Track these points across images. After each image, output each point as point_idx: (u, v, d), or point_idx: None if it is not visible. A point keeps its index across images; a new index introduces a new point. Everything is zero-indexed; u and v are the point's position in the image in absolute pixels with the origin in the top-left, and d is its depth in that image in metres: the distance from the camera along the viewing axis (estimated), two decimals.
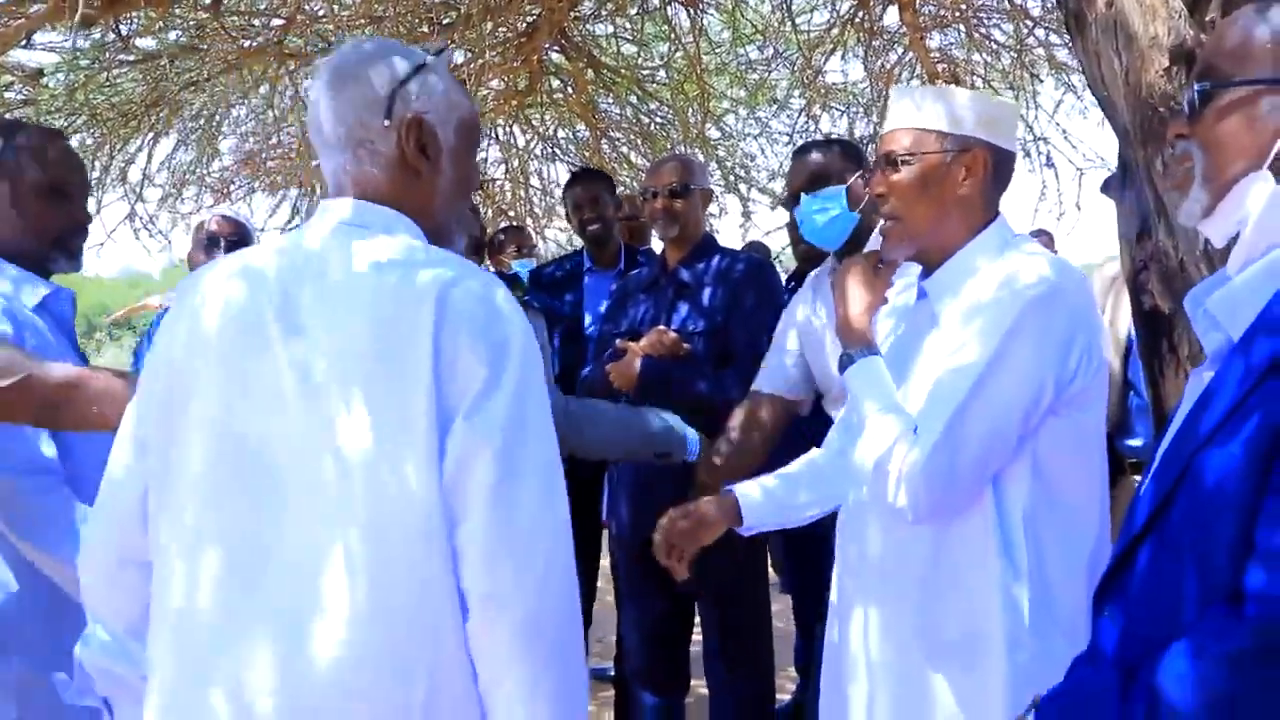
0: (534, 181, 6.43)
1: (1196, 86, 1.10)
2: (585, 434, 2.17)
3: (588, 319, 3.55)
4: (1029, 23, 4.10)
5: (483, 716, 1.18)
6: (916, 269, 1.70)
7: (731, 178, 5.85)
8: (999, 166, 1.63)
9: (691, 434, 2.27)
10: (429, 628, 1.15)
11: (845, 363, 1.61)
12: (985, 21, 4.32)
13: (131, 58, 3.91)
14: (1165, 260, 1.98)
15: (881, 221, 1.67)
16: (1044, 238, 6.46)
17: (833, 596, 1.75)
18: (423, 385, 1.14)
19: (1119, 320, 2.72)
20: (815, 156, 2.48)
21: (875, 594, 1.61)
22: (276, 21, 3.78)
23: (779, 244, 5.80)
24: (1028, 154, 4.50)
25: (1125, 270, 2.16)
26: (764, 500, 1.85)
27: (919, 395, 1.53)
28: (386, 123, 1.26)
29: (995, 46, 4.48)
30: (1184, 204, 1.13)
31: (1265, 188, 1.03)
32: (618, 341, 2.80)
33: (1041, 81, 4.63)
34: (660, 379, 2.66)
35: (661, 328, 2.76)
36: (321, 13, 3.67)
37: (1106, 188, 2.25)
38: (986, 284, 1.54)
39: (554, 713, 1.17)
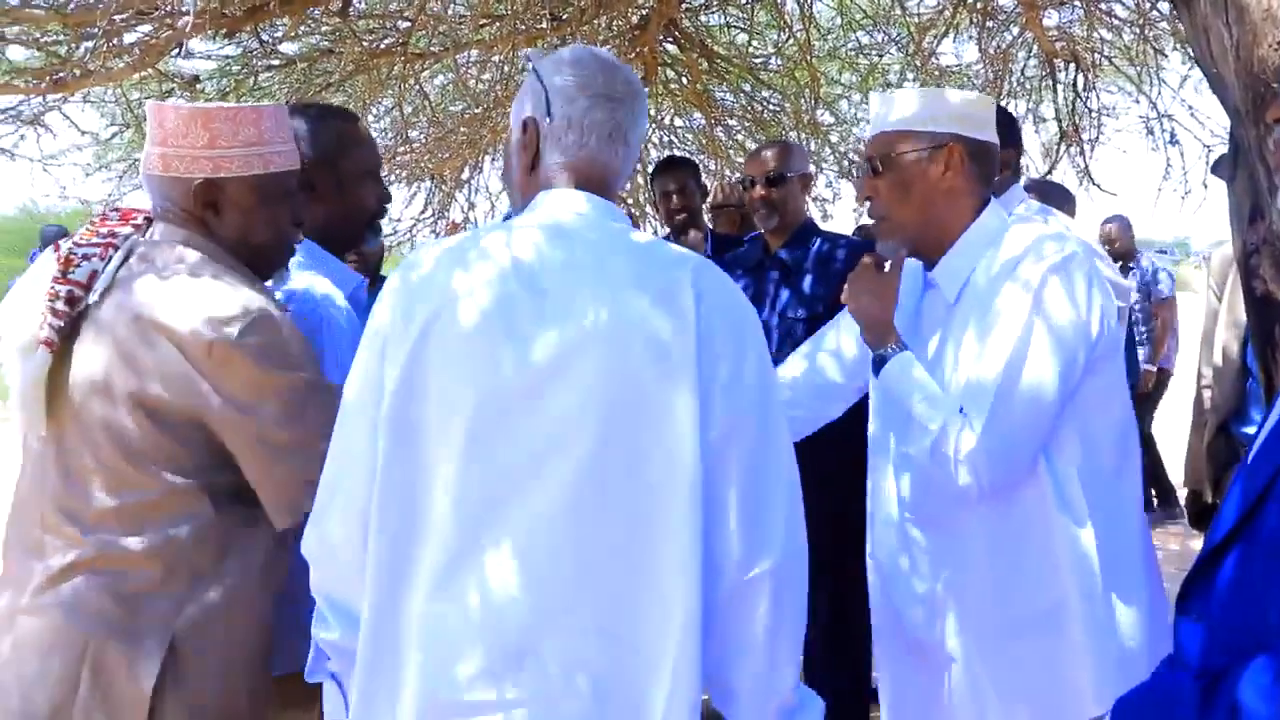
0: (651, 169, 6.45)
1: None
2: None
3: None
4: None
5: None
6: (918, 265, 1.71)
7: (845, 162, 5.74)
8: (978, 157, 1.66)
9: None
10: (687, 584, 1.16)
11: (879, 363, 1.62)
12: None
13: (275, 62, 4.08)
14: (1278, 244, 1.85)
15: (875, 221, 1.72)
16: (1119, 222, 6.09)
17: (873, 582, 1.76)
18: (689, 357, 1.18)
19: (1238, 303, 2.55)
20: None
21: (943, 577, 1.60)
22: (403, 24, 3.88)
23: None
24: (1150, 132, 4.24)
25: (1236, 253, 2.02)
26: None
27: (954, 380, 1.55)
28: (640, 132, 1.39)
29: (1116, 22, 4.22)
30: None
31: None
32: None
33: (1166, 57, 4.34)
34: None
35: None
36: (441, 14, 3.74)
37: (1217, 168, 2.10)
38: (1002, 264, 1.56)
39: (791, 647, 1.23)
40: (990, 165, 1.70)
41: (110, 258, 1.51)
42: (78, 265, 1.49)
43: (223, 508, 1.48)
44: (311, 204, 1.80)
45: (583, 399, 1.18)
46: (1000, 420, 1.46)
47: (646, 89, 5.08)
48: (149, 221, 1.59)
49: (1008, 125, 2.42)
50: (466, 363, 1.20)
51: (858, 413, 2.22)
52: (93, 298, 1.48)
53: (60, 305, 1.46)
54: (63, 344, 1.46)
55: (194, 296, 1.46)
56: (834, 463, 2.08)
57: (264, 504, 1.49)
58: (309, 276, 1.75)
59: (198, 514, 1.46)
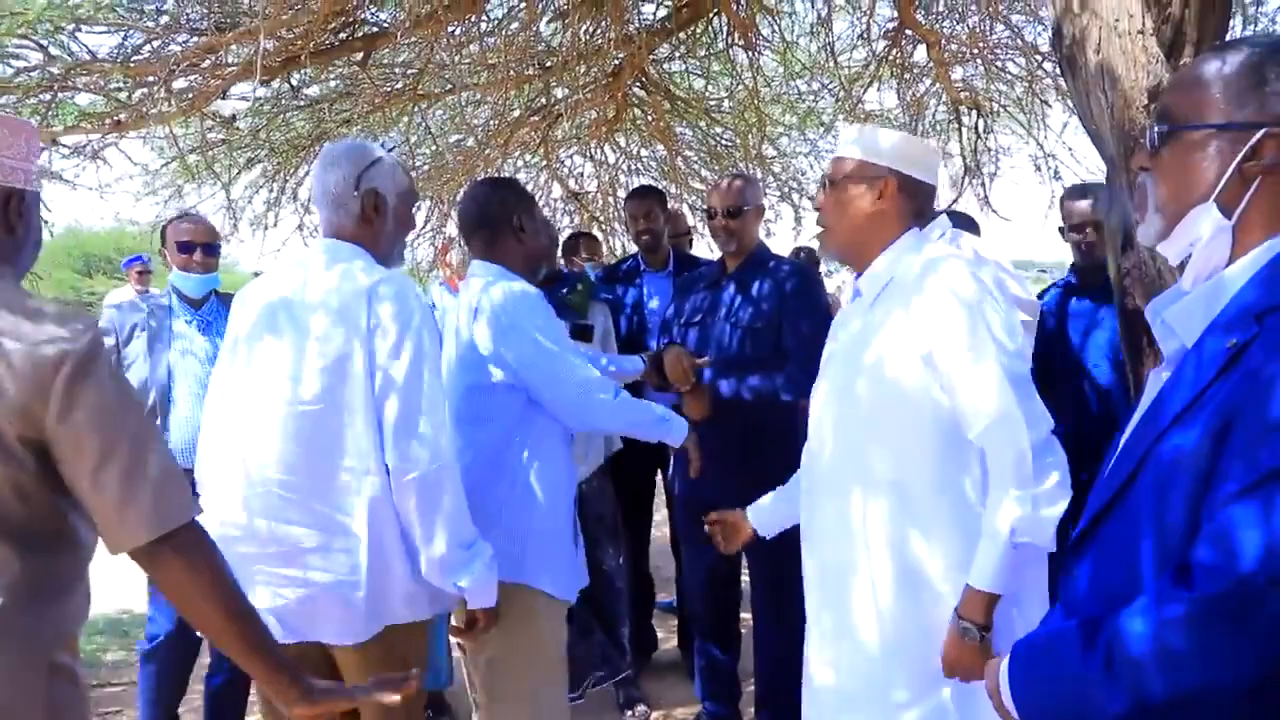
0: (621, 193, 6.46)
1: (1156, 128, 1.06)
2: (600, 405, 2.12)
3: (654, 303, 3.54)
4: (1039, 57, 3.98)
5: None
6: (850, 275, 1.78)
7: (785, 189, 5.80)
8: (910, 192, 1.68)
9: (679, 422, 2.30)
10: (371, 475, 1.69)
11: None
12: (1001, 56, 4.19)
13: (301, 103, 4.05)
14: (1144, 269, 1.93)
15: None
16: (966, 219, 6.18)
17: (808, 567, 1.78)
18: (362, 342, 1.69)
19: None
20: None
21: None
22: (411, 71, 3.87)
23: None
24: (1038, 168, 4.36)
25: (1112, 276, 2.11)
26: (773, 515, 1.99)
27: (872, 383, 1.59)
28: (356, 192, 1.82)
29: (1010, 77, 4.35)
30: (1142, 227, 1.10)
31: (1211, 219, 1.01)
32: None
33: (1050, 107, 4.47)
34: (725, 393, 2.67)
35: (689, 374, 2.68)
36: (447, 62, 3.75)
37: (1098, 206, 2.19)
38: (915, 275, 1.59)
39: (443, 526, 1.71)
40: (921, 200, 1.71)
41: None
42: None
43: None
44: None
45: (294, 378, 1.71)
46: (1024, 438, 1.49)
47: (617, 125, 5.14)
48: None
49: None
50: (234, 360, 1.82)
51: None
52: None
53: None
54: None
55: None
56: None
57: None
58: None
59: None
